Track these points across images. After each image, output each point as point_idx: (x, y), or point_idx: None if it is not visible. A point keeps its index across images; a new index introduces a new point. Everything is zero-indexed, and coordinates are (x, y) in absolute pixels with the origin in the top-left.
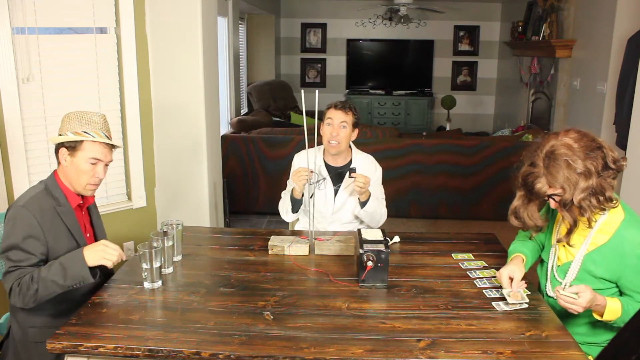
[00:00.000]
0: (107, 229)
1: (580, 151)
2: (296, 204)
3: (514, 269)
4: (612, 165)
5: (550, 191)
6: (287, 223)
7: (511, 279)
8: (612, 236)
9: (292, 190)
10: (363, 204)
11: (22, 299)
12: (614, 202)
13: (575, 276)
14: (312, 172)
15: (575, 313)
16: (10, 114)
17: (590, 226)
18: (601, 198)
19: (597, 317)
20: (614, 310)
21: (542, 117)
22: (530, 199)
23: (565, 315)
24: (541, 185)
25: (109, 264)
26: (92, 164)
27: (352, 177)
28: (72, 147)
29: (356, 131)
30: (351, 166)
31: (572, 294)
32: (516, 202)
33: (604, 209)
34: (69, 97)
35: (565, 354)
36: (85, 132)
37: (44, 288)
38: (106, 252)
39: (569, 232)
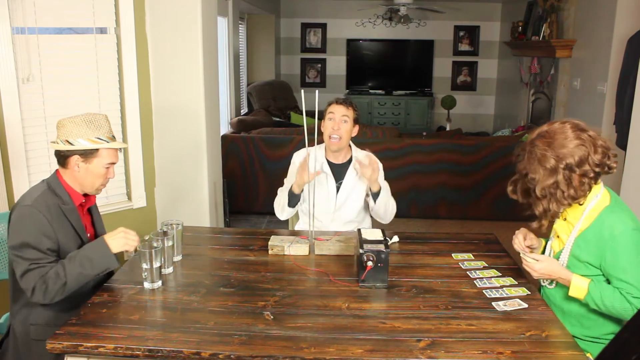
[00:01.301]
0: (107, 229)
1: (561, 143)
2: (293, 199)
3: (527, 231)
4: (593, 167)
5: (528, 175)
6: (287, 223)
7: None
8: (594, 221)
9: (291, 185)
10: (376, 195)
11: (48, 295)
12: (581, 199)
13: (566, 262)
14: (319, 172)
15: (534, 277)
16: (10, 114)
17: (545, 217)
18: (565, 193)
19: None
20: (577, 287)
21: (542, 117)
22: (520, 177)
23: (561, 308)
24: (521, 167)
25: (131, 249)
26: (107, 167)
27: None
28: (88, 154)
29: (357, 127)
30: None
31: (528, 258)
32: (516, 175)
33: (569, 204)
34: (69, 97)
35: (565, 354)
36: (99, 139)
37: (72, 280)
38: (128, 238)
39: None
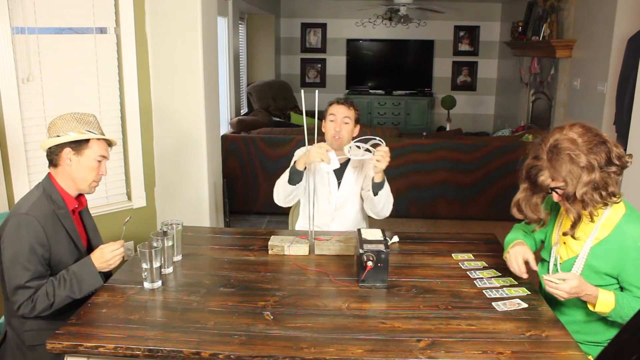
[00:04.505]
0: (107, 229)
1: (584, 145)
2: (295, 176)
3: (526, 249)
4: (616, 161)
5: (553, 184)
6: (287, 223)
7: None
8: (612, 230)
9: (295, 162)
10: (379, 186)
11: (34, 312)
12: (617, 197)
13: (580, 272)
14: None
15: (561, 299)
16: (10, 114)
17: (592, 220)
18: (604, 193)
19: (590, 308)
20: (605, 302)
21: (542, 117)
22: (533, 192)
23: (565, 315)
24: (544, 178)
25: (118, 262)
26: (99, 161)
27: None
28: (78, 146)
29: (358, 127)
30: (349, 161)
31: (556, 279)
32: (519, 195)
33: (607, 204)
34: (69, 97)
35: (565, 354)
36: (89, 131)
37: (60, 302)
38: (114, 255)
39: (573, 226)
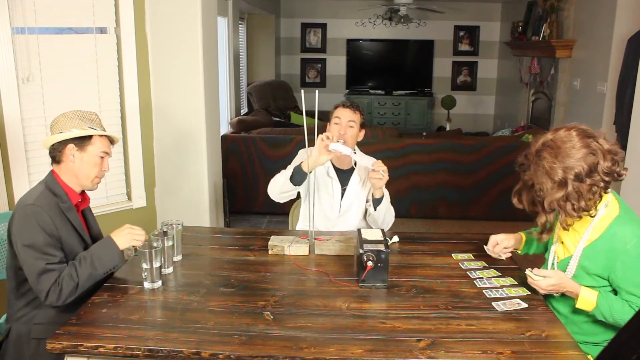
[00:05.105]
0: (108, 229)
1: (568, 150)
2: (298, 176)
3: (505, 237)
4: (603, 175)
5: (535, 185)
6: (287, 223)
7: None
8: (604, 232)
9: (301, 162)
10: (378, 202)
11: (61, 297)
12: (592, 211)
13: (574, 272)
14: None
15: (541, 292)
16: (10, 114)
17: (566, 229)
18: (575, 205)
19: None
20: (586, 300)
21: (542, 117)
22: (524, 186)
23: (565, 315)
24: (527, 177)
25: (139, 244)
26: (102, 157)
27: (372, 170)
28: (81, 142)
29: (362, 132)
30: (355, 166)
31: (535, 276)
32: (519, 185)
33: (580, 217)
34: (69, 97)
35: (565, 354)
36: (92, 128)
37: (84, 281)
38: (134, 234)
39: (543, 232)
